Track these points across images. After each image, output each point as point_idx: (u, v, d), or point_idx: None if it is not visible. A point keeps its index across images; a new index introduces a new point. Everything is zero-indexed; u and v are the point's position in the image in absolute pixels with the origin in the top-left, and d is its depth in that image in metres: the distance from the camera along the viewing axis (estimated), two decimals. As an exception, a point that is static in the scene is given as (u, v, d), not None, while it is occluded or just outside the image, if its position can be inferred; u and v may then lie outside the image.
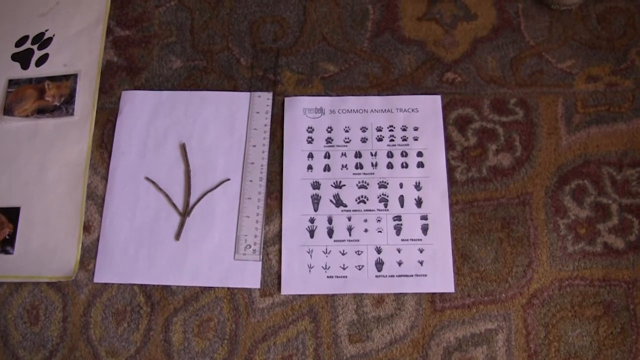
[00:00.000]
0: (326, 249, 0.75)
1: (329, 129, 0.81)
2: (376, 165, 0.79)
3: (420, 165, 0.79)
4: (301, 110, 0.82)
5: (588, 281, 0.73)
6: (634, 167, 0.78)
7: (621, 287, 0.73)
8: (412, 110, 0.81)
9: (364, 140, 0.80)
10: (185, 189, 0.79)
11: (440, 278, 0.74)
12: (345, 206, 0.77)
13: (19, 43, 0.89)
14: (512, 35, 0.85)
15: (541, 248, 0.74)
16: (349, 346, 0.72)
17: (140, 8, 0.89)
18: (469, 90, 0.82)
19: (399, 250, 0.75)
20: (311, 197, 0.78)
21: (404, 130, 0.81)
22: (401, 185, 0.78)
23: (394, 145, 0.80)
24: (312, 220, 0.77)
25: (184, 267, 0.75)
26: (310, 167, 0.79)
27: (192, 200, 0.78)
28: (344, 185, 0.78)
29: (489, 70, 0.83)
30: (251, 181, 0.78)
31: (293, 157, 0.79)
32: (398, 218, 0.76)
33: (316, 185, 0.78)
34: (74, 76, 0.85)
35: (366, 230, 0.76)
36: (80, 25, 0.89)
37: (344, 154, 0.79)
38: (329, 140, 0.80)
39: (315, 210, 0.77)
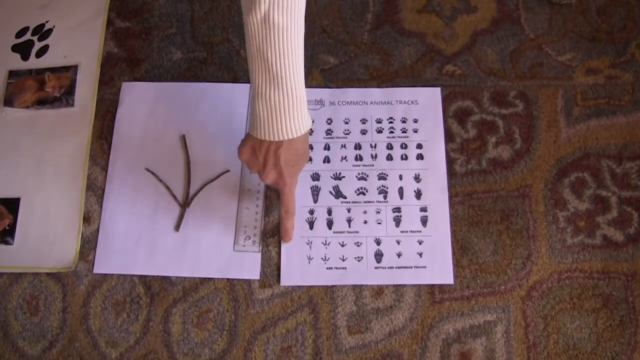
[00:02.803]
0: (325, 241, 0.75)
1: (329, 121, 0.81)
2: (376, 157, 0.79)
3: (420, 157, 0.79)
4: (301, 102, 0.82)
5: (587, 273, 0.73)
6: (634, 160, 0.78)
7: (620, 279, 0.73)
8: (412, 102, 0.81)
9: (363, 132, 0.80)
10: (185, 180, 0.79)
11: (440, 270, 0.74)
12: (345, 198, 0.77)
13: (19, 34, 0.89)
14: (512, 28, 0.85)
15: (540, 240, 0.75)
16: (348, 337, 0.72)
17: (140, -1, 0.90)
18: (469, 82, 0.82)
19: (398, 242, 0.75)
20: (311, 188, 0.78)
21: (404, 122, 0.81)
22: (401, 177, 0.78)
23: (394, 137, 0.80)
24: (311, 212, 0.77)
25: (184, 258, 0.75)
26: (309, 159, 0.79)
27: (192, 192, 0.78)
28: (344, 176, 0.78)
29: (488, 63, 0.83)
30: (251, 173, 0.78)
31: (293, 149, 0.79)
32: (397, 210, 0.76)
33: (316, 177, 0.78)
34: (74, 67, 0.85)
35: (365, 222, 0.76)
36: (80, 16, 0.89)
37: (343, 146, 0.79)
38: (328, 132, 0.80)
39: (315, 201, 0.77)
